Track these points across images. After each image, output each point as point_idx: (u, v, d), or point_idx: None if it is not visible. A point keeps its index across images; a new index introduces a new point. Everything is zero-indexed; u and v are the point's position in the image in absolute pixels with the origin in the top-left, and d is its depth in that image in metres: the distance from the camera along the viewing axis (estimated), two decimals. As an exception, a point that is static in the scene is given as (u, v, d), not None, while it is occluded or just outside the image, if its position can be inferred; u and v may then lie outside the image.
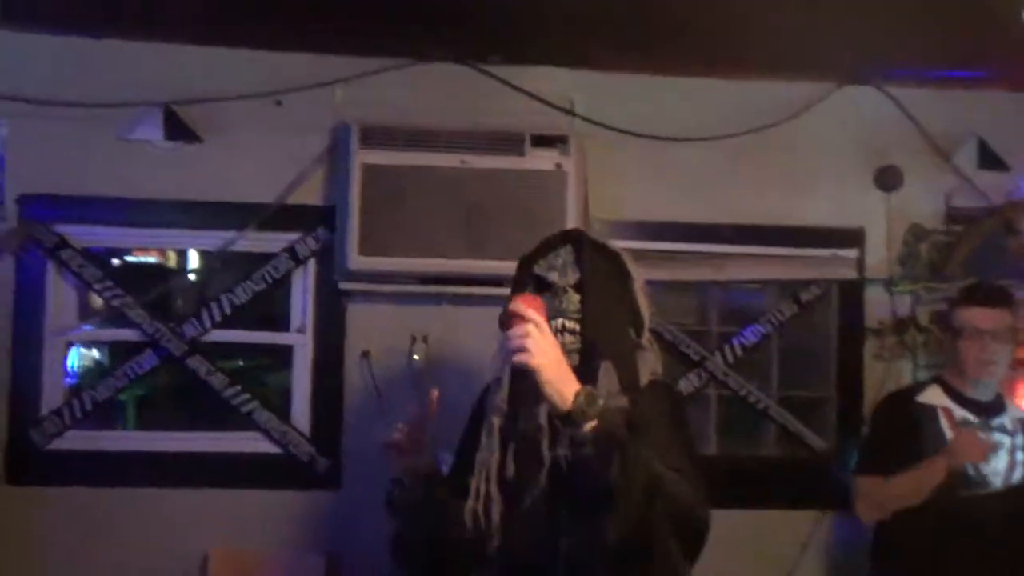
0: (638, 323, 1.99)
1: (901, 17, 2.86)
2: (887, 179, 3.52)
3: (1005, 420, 2.88)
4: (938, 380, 2.95)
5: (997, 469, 2.80)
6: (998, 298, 2.87)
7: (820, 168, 3.54)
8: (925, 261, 3.53)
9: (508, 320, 1.68)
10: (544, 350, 1.65)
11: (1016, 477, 2.82)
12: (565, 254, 1.96)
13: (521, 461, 1.84)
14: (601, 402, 1.67)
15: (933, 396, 2.91)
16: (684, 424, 1.97)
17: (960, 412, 2.86)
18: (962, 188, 3.55)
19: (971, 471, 2.76)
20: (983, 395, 2.89)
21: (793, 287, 3.57)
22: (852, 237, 3.55)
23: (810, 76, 3.47)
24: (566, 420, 1.65)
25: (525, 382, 1.71)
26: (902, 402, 2.96)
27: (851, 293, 3.56)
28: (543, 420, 1.81)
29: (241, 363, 4.04)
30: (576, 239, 1.99)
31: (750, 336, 3.55)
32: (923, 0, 2.75)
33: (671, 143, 3.41)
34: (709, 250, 3.48)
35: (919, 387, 2.99)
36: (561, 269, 1.94)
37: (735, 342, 3.54)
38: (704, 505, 1.78)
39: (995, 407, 2.90)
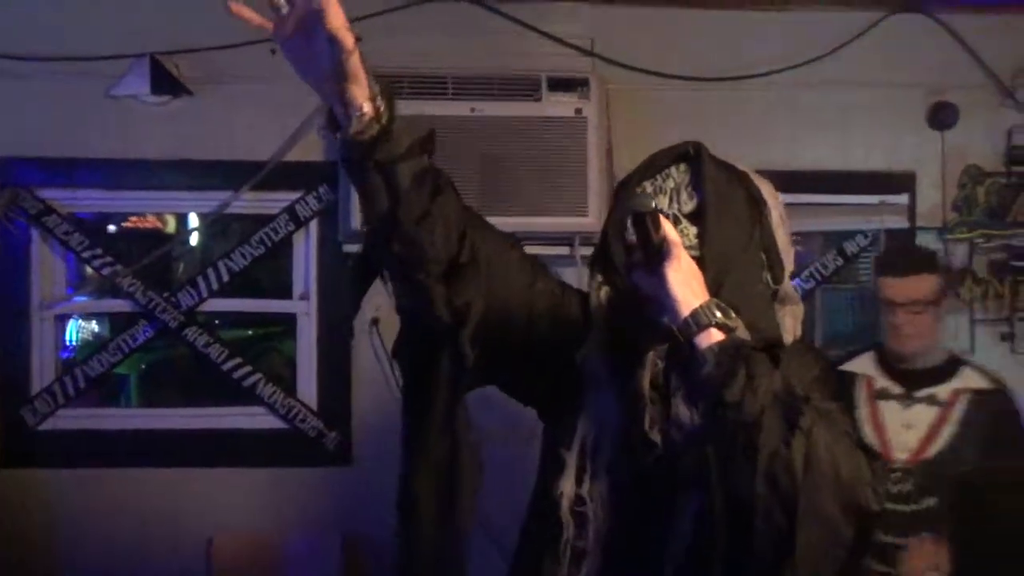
0: (776, 265, 1.56)
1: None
2: (941, 117, 3.33)
3: (940, 391, 2.61)
4: (876, 346, 2.71)
5: (907, 444, 2.56)
6: (915, 265, 2.62)
7: (866, 106, 3.34)
8: (983, 206, 3.35)
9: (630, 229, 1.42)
10: (685, 256, 1.41)
11: (934, 452, 2.55)
12: (678, 174, 1.55)
13: (627, 432, 1.53)
14: (735, 321, 1.40)
15: (861, 364, 2.69)
16: (839, 396, 1.58)
17: (883, 382, 2.63)
18: (1026, 125, 3.38)
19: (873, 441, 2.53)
20: (921, 363, 2.63)
21: (837, 238, 3.42)
22: (902, 181, 3.37)
23: (854, 4, 3.28)
24: (684, 329, 1.39)
25: (629, 330, 1.48)
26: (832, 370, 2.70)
27: (902, 242, 3.35)
28: (646, 389, 1.51)
29: (250, 333, 3.95)
30: (692, 155, 1.56)
31: (792, 292, 3.39)
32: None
33: (702, 84, 3.25)
34: (746, 200, 3.31)
35: (854, 353, 2.77)
36: (672, 193, 1.54)
37: (775, 298, 3.38)
38: (875, 489, 1.43)
39: (934, 376, 2.63)
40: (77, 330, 3.59)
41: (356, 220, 2.99)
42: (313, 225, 3.19)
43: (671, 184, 1.55)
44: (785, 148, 3.32)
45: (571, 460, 1.54)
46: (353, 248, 3.07)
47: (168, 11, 3.13)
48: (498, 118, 3.01)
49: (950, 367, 2.66)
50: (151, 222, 3.81)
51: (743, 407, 1.34)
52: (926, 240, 3.36)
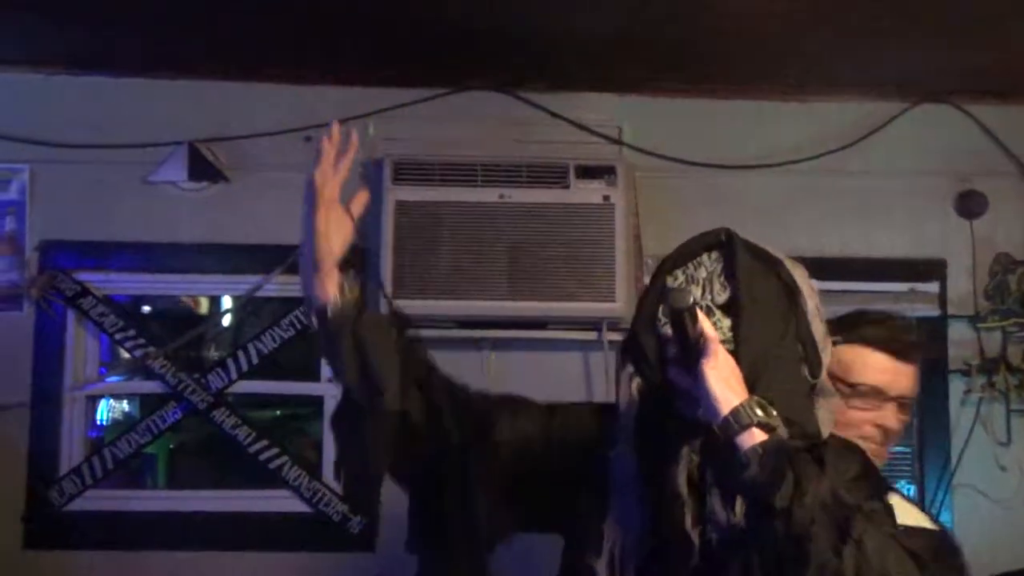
0: (812, 358, 1.50)
1: (979, 28, 2.74)
2: (970, 205, 3.36)
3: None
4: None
5: None
6: (916, 349, 2.02)
7: (895, 195, 3.38)
8: (1015, 295, 3.34)
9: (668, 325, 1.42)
10: (723, 352, 1.41)
11: None
12: (710, 263, 1.51)
13: (659, 536, 1.48)
14: (776, 420, 1.37)
15: None
16: (880, 494, 1.53)
17: None
18: (1055, 214, 3.38)
19: None
20: None
21: (868, 325, 3.41)
22: (933, 269, 3.38)
23: (881, 94, 3.33)
24: (724, 428, 1.37)
25: (660, 427, 1.47)
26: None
27: (933, 331, 3.35)
28: (682, 487, 1.47)
29: (277, 414, 3.99)
30: (725, 242, 1.52)
31: (821, 380, 3.38)
32: (1003, 10, 2.63)
33: (729, 171, 3.30)
34: (774, 287, 3.33)
35: None
36: (705, 283, 1.50)
37: (804, 387, 3.38)
38: None
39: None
40: (108, 410, 3.65)
41: (383, 303, 3.05)
42: (342, 309, 3.25)
43: (703, 273, 1.51)
44: (811, 234, 3.33)
45: (601, 569, 1.51)
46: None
47: (205, 102, 3.25)
48: (526, 205, 3.06)
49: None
50: (185, 303, 3.89)
51: (793, 515, 1.31)
52: (959, 329, 3.36)
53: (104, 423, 3.48)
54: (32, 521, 3.13)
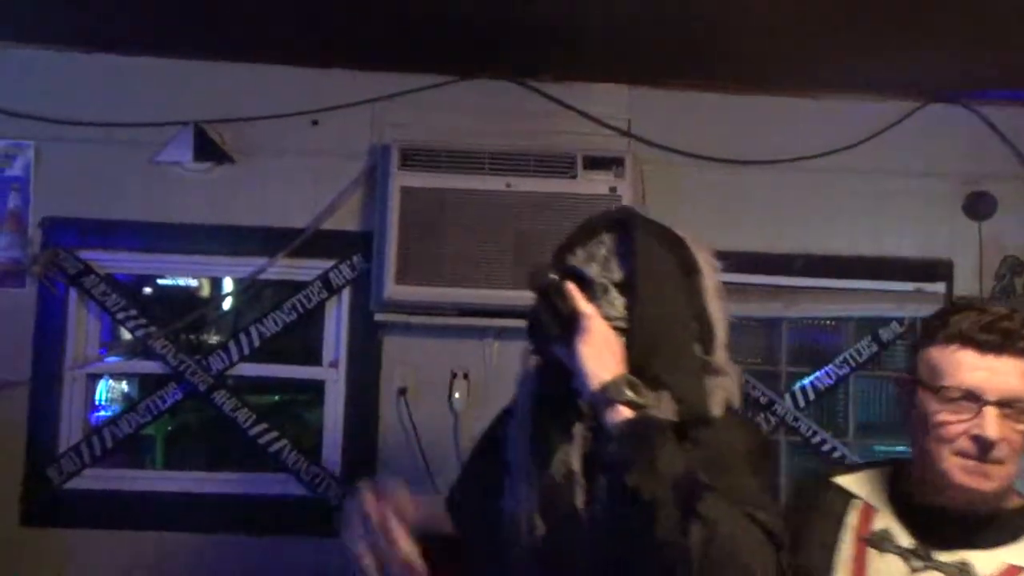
0: (707, 336, 1.52)
1: (992, 29, 2.74)
2: (978, 206, 3.37)
3: (983, 559, 1.57)
4: (895, 462, 1.75)
5: None
6: (1012, 336, 1.56)
7: (903, 194, 3.38)
8: (1022, 297, 3.35)
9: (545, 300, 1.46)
10: (598, 327, 1.44)
11: None
12: (611, 241, 1.54)
13: (549, 518, 1.50)
14: (649, 398, 1.39)
15: (865, 483, 1.73)
16: (768, 475, 1.54)
17: (887, 521, 1.65)
18: (1064, 217, 3.38)
19: None
20: (961, 500, 1.59)
21: (873, 324, 3.42)
22: (939, 270, 3.38)
23: (892, 94, 3.34)
24: (593, 404, 1.41)
25: (554, 409, 1.49)
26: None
27: (937, 332, 3.38)
28: (575, 463, 1.48)
29: (277, 398, 4.00)
30: (625, 221, 1.55)
31: (824, 378, 3.40)
32: (1016, 11, 2.62)
33: (738, 167, 3.31)
34: (780, 283, 3.35)
35: (870, 464, 1.83)
36: (603, 261, 1.53)
37: (808, 384, 3.40)
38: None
39: (980, 532, 1.59)
40: (107, 390, 3.66)
41: (389, 289, 3.05)
42: (345, 293, 3.25)
43: (603, 252, 1.54)
44: (818, 232, 3.36)
45: (495, 547, 1.55)
46: (385, 317, 3.14)
47: (212, 82, 3.24)
48: (533, 194, 3.06)
49: (1012, 523, 1.61)
50: (188, 284, 3.89)
51: (641, 492, 1.32)
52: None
53: (104, 403, 3.48)
54: (30, 499, 3.13)
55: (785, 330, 3.45)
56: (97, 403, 3.38)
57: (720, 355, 1.55)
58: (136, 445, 3.45)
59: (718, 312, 1.55)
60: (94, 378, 3.33)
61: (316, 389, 3.34)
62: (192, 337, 3.45)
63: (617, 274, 1.52)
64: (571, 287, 1.47)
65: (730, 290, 3.37)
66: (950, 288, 3.38)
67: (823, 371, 3.40)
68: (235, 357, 3.22)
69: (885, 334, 3.40)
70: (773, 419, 3.36)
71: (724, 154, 3.31)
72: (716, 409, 1.51)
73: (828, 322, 3.50)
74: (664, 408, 1.43)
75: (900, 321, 3.40)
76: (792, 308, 3.38)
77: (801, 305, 3.37)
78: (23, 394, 3.15)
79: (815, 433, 3.37)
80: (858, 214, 3.39)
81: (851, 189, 3.38)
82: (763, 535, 1.36)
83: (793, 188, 3.36)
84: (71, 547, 3.12)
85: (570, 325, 1.45)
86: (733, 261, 3.30)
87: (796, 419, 3.37)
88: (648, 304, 1.49)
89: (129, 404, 3.32)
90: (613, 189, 3.07)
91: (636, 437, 1.36)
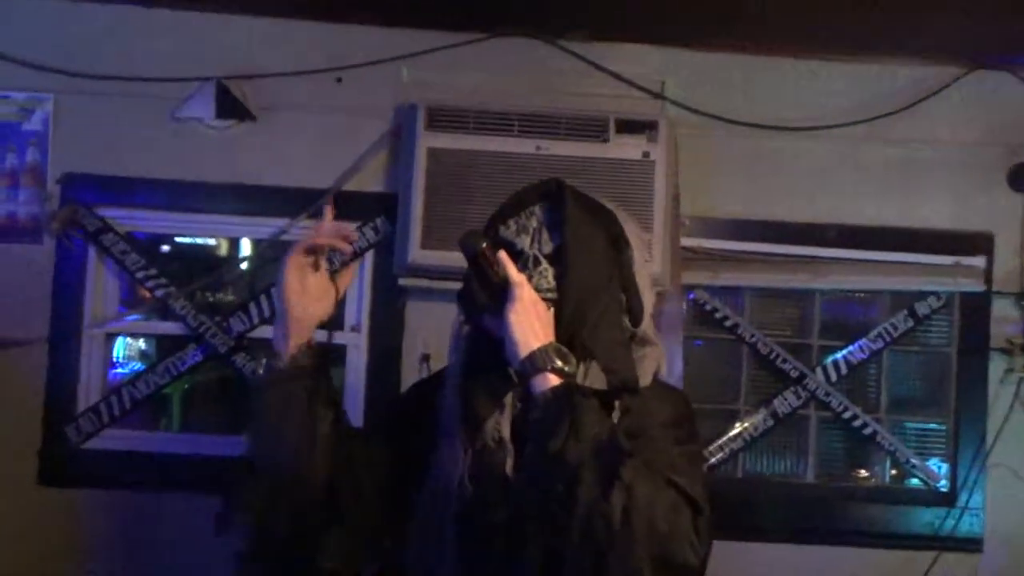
0: (635, 307, 1.59)
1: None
2: (1022, 178, 3.27)
3: None
4: None
5: None
6: None
7: (943, 164, 3.30)
8: (1064, 273, 3.27)
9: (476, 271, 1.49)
10: (528, 295, 1.47)
11: None
12: (541, 212, 1.58)
13: (477, 480, 1.53)
14: (574, 366, 1.45)
15: None
16: (694, 443, 1.60)
17: None
18: (1112, 190, 3.29)
19: None
20: None
21: (908, 298, 3.34)
22: (979, 243, 3.30)
23: (934, 59, 3.24)
24: (520, 372, 1.45)
25: (486, 377, 1.53)
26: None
27: (976, 307, 3.31)
28: (505, 431, 1.53)
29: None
30: (555, 192, 1.59)
31: (857, 352, 3.33)
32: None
33: (773, 132, 3.24)
34: (812, 254, 3.27)
35: None
36: (535, 232, 1.57)
37: (840, 358, 3.33)
38: (697, 540, 1.41)
39: None
40: (124, 348, 3.64)
41: (413, 253, 3.00)
42: (368, 257, 3.20)
43: (534, 223, 1.57)
44: (856, 202, 3.29)
45: (421, 511, 1.57)
46: (409, 282, 3.09)
47: (235, 37, 3.18)
48: (563, 158, 2.99)
49: None
50: (209, 243, 3.85)
51: (564, 457, 1.37)
52: (1003, 307, 3.30)
53: (122, 363, 3.45)
54: (47, 458, 3.12)
55: (818, 302, 3.38)
56: (115, 360, 3.36)
57: (648, 325, 1.63)
58: (154, 406, 3.42)
59: (646, 284, 1.62)
60: (113, 338, 3.30)
61: (339, 353, 3.29)
62: (212, 297, 3.41)
63: (548, 246, 1.56)
64: (503, 255, 1.50)
65: (762, 260, 3.35)
66: (990, 262, 3.31)
67: (856, 345, 3.34)
68: (255, 319, 3.19)
69: (922, 308, 3.33)
70: (804, 393, 3.30)
71: (758, 119, 3.24)
72: (644, 379, 1.58)
73: (862, 295, 3.42)
74: (593, 378, 1.50)
75: (938, 296, 3.33)
76: (824, 279, 3.29)
77: (834, 277, 3.29)
78: (41, 353, 3.13)
79: (846, 408, 3.31)
80: (896, 184, 3.31)
81: (889, 158, 3.30)
82: (682, 499, 1.41)
83: (828, 156, 3.29)
84: (87, 508, 3.12)
85: (500, 294, 1.47)
86: (766, 230, 3.31)
87: (828, 394, 3.31)
88: (577, 275, 1.53)
89: (148, 364, 3.29)
90: (647, 154, 3.00)
91: (561, 404, 1.41)
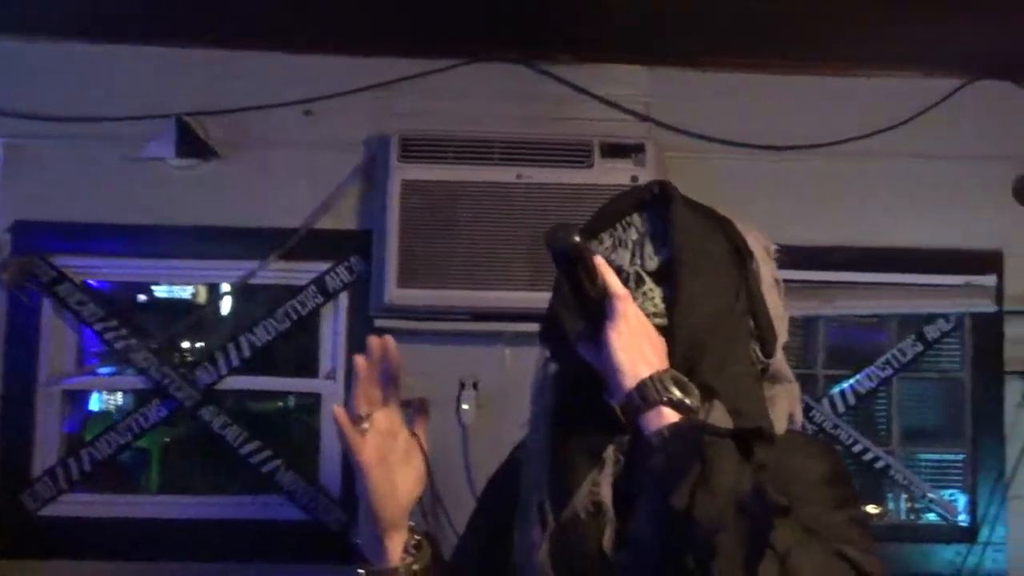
0: (766, 336, 1.28)
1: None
2: (1030, 192, 3.19)
3: None
4: None
5: None
6: None
7: (949, 180, 3.19)
8: (1076, 291, 3.18)
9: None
10: (634, 312, 1.18)
11: None
12: (641, 223, 1.31)
13: (563, 557, 1.21)
14: (697, 398, 1.15)
15: None
16: (856, 507, 1.25)
17: None
18: (1124, 203, 3.21)
19: None
20: None
21: (916, 322, 3.24)
22: (989, 261, 3.20)
23: (936, 70, 3.16)
24: (626, 407, 1.15)
25: (579, 429, 1.22)
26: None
27: (988, 328, 3.20)
28: (605, 494, 1.20)
29: (271, 413, 3.80)
30: (657, 197, 1.32)
31: (865, 381, 3.21)
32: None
33: (767, 152, 3.14)
34: (815, 278, 3.14)
35: None
36: (634, 247, 1.30)
37: (847, 387, 3.21)
38: None
39: None
40: (100, 404, 3.48)
41: (390, 293, 2.86)
42: (343, 298, 3.07)
43: (633, 235, 1.30)
44: (859, 223, 3.18)
45: None
46: (386, 323, 2.95)
47: (194, 70, 3.08)
48: (547, 185, 2.89)
49: None
50: (171, 291, 3.70)
51: (693, 516, 1.05)
52: (1017, 327, 3.18)
53: (81, 422, 3.27)
54: (2, 527, 2.94)
55: (822, 329, 3.26)
56: (75, 421, 3.19)
57: (780, 358, 1.31)
58: (117, 468, 3.24)
59: (777, 307, 1.31)
60: (71, 395, 3.12)
61: (313, 402, 3.15)
62: (179, 350, 3.25)
63: (653, 261, 1.28)
64: (601, 261, 1.19)
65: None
66: (1001, 281, 3.20)
67: (864, 373, 3.21)
68: (224, 369, 3.04)
69: (931, 332, 3.22)
70: (810, 426, 3.16)
71: (751, 139, 3.15)
72: (778, 425, 1.26)
73: (869, 320, 3.31)
74: (716, 421, 1.17)
75: (947, 318, 3.21)
76: (829, 305, 3.18)
77: (839, 302, 3.18)
78: (-7, 413, 2.96)
79: (856, 442, 3.17)
80: (899, 201, 3.21)
81: (891, 175, 3.20)
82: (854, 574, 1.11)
83: (826, 175, 3.19)
84: (47, 580, 2.93)
85: (598, 312, 1.18)
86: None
87: (835, 426, 3.17)
88: (693, 296, 1.24)
89: (108, 424, 3.12)
90: (635, 179, 2.88)
91: (686, 445, 1.10)
